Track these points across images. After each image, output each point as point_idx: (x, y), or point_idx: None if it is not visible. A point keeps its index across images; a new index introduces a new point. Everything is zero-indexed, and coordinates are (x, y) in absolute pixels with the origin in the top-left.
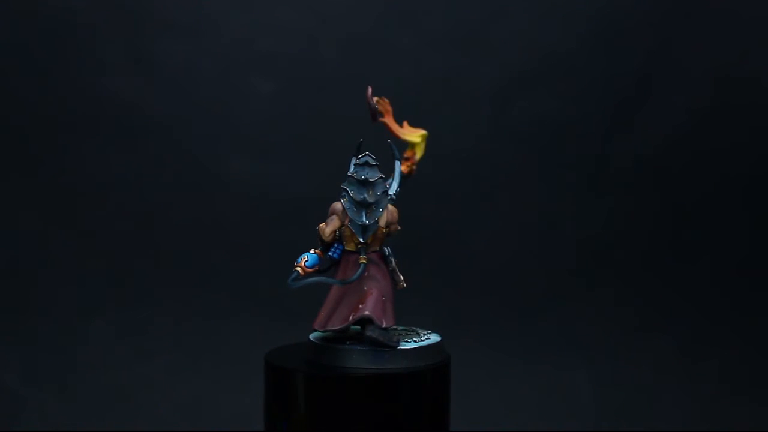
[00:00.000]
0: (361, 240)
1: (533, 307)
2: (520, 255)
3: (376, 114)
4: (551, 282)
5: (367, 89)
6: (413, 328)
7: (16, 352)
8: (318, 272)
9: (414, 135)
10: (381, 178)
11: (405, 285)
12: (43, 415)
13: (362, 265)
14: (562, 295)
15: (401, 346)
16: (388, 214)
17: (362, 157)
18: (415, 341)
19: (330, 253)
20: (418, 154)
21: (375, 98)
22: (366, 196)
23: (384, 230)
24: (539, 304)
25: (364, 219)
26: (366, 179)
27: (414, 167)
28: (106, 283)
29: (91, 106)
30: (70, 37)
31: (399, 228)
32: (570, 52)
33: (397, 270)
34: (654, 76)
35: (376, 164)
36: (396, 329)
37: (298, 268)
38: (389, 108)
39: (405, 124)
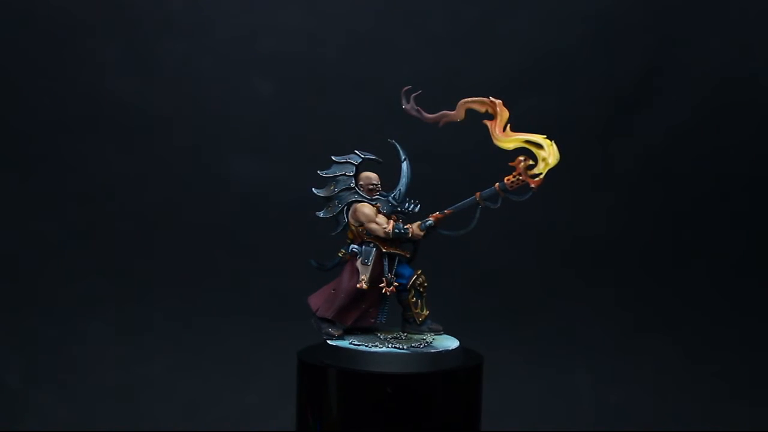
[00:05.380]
0: (332, 234)
1: (533, 307)
2: (520, 255)
3: (416, 113)
4: (551, 282)
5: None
6: (412, 334)
7: (16, 352)
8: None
9: (507, 141)
10: (344, 175)
11: (365, 286)
12: (43, 415)
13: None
14: (562, 296)
15: (401, 349)
16: (352, 211)
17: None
18: (411, 346)
19: None
20: (541, 166)
21: (416, 107)
22: (321, 190)
23: (354, 227)
24: (539, 304)
25: (320, 212)
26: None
27: (521, 178)
28: (107, 283)
29: (91, 106)
30: (70, 38)
31: (384, 228)
32: (570, 52)
33: (360, 269)
34: (654, 76)
35: (342, 162)
36: (333, 327)
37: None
38: (498, 110)
39: (507, 128)
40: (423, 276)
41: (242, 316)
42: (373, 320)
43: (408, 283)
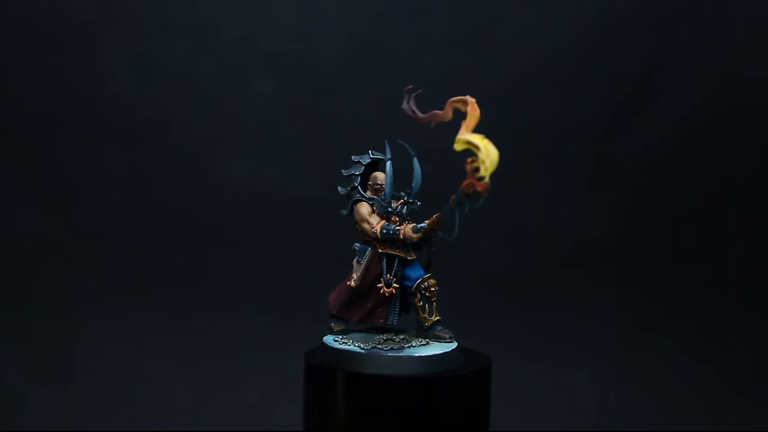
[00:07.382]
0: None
1: (533, 307)
2: (519, 255)
3: (412, 113)
4: (551, 282)
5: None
6: (398, 335)
7: (16, 352)
8: None
9: (456, 143)
10: (353, 174)
11: (353, 284)
12: (43, 415)
13: None
14: (561, 295)
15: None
16: (354, 211)
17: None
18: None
19: None
20: (481, 169)
21: (416, 109)
22: (343, 189)
23: (357, 226)
24: (539, 304)
25: (344, 210)
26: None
27: (471, 182)
28: (106, 283)
29: (91, 106)
30: (70, 37)
31: (372, 228)
32: (570, 52)
33: (354, 267)
34: (654, 76)
35: (355, 161)
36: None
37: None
38: (468, 110)
39: (464, 128)
40: (432, 280)
41: (242, 315)
42: (382, 320)
43: (413, 286)
